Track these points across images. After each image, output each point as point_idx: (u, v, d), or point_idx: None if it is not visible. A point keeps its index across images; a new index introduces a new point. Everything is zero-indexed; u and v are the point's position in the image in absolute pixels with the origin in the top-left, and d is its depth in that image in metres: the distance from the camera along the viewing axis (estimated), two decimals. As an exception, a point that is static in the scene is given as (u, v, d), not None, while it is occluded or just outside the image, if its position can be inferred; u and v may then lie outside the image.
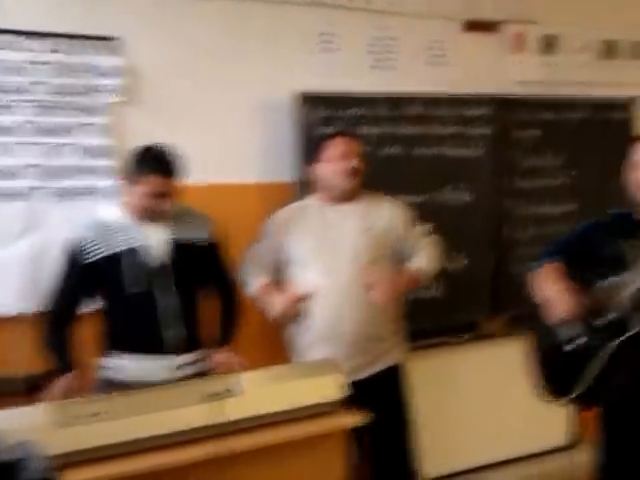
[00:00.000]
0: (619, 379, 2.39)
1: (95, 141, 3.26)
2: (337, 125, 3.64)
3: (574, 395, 2.47)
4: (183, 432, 2.34)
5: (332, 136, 3.13)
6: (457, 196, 4.00)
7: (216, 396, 2.40)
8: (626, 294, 2.37)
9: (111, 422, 2.27)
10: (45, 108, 3.19)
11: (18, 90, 3.14)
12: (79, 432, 2.23)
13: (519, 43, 4.23)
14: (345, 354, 2.92)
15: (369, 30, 3.86)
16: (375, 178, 3.60)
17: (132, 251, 2.71)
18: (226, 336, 2.90)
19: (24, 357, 2.98)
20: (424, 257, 3.14)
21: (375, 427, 2.96)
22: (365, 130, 3.74)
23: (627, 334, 2.35)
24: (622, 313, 2.37)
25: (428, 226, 3.29)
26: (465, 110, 3.98)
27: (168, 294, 2.73)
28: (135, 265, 2.70)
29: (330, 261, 3.00)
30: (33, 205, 3.16)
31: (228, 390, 2.43)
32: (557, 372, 2.56)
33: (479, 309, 4.14)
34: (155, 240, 2.74)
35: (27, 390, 2.83)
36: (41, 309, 2.83)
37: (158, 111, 3.40)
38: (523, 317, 4.06)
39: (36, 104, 3.18)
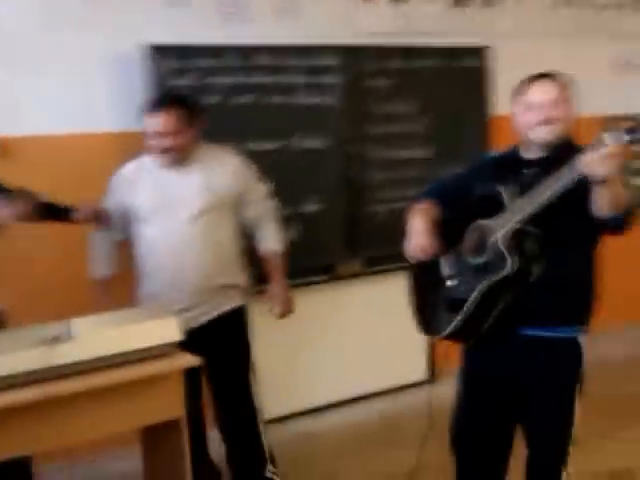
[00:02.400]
0: (487, 320, 2.51)
1: None
2: (188, 77, 3.74)
3: (447, 333, 2.57)
4: (14, 376, 2.42)
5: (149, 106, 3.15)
6: (310, 142, 4.13)
7: (49, 341, 2.50)
8: (497, 237, 2.46)
9: None
10: None
11: None
12: None
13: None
14: (186, 304, 3.09)
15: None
16: (228, 126, 3.77)
17: None
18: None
19: None
20: (272, 236, 3.32)
21: (217, 369, 3.17)
22: (217, 80, 3.84)
23: (493, 279, 2.45)
24: (492, 256, 2.47)
25: (268, 185, 3.38)
26: (316, 60, 4.09)
27: None
28: None
29: (170, 218, 3.12)
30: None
31: (60, 335, 2.53)
32: (433, 308, 2.66)
33: (335, 251, 4.31)
34: None
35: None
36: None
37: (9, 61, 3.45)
38: (380, 258, 4.33)
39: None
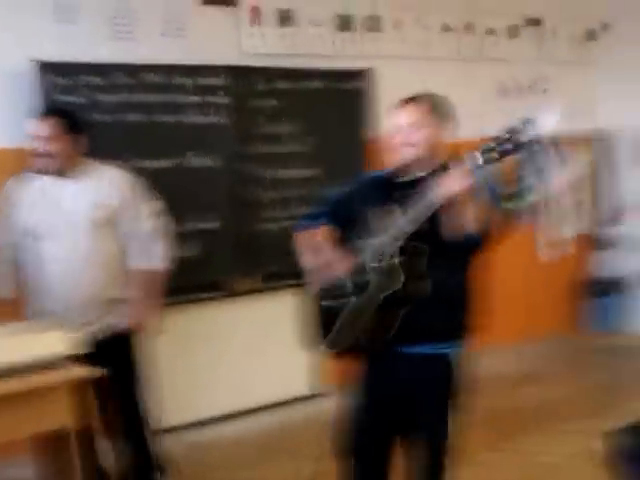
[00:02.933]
0: (359, 333, 2.60)
1: None
2: (78, 94, 3.80)
3: (325, 346, 2.67)
4: None
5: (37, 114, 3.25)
6: (200, 161, 4.24)
7: None
8: (363, 259, 2.57)
9: None
10: None
11: None
12: None
13: (255, 16, 4.49)
14: (78, 319, 3.10)
15: (109, 1, 4.01)
16: (116, 145, 3.84)
17: None
18: None
19: None
20: (156, 255, 3.34)
21: (111, 381, 3.18)
22: (106, 98, 3.91)
23: (353, 299, 2.57)
24: (357, 276, 2.58)
25: (155, 203, 3.42)
26: (202, 79, 4.21)
27: None
28: None
29: (60, 234, 3.16)
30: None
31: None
32: (320, 324, 2.73)
33: (230, 268, 4.41)
34: None
35: None
36: None
37: None
38: (274, 275, 4.43)
39: None
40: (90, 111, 3.80)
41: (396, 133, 2.58)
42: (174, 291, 3.67)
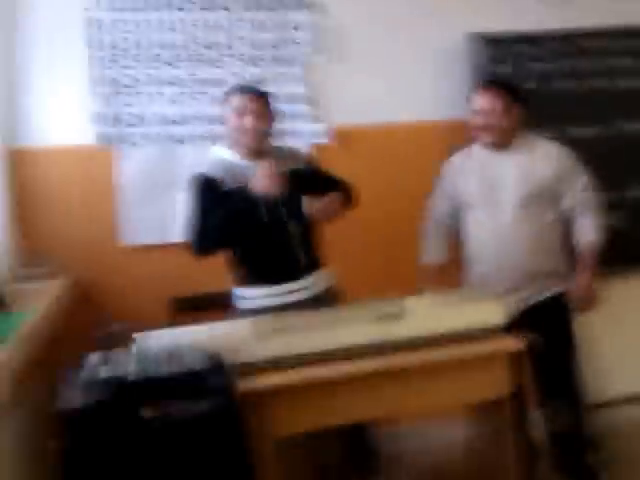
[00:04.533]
0: None
1: (291, 89, 3.69)
2: (507, 63, 3.88)
3: None
4: (358, 347, 2.71)
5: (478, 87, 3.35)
6: (634, 126, 4.07)
7: (387, 317, 2.77)
8: None
9: (296, 335, 2.69)
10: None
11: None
12: (270, 344, 2.66)
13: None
14: (511, 287, 3.21)
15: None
16: (547, 112, 3.85)
17: None
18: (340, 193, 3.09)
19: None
20: (588, 227, 3.29)
21: (542, 351, 3.25)
22: (533, 66, 3.93)
23: None
24: None
25: (585, 176, 3.33)
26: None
27: (296, 222, 2.99)
28: (265, 197, 2.88)
29: (494, 206, 3.26)
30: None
31: (396, 312, 2.79)
32: None
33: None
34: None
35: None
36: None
37: (344, 62, 3.79)
38: None
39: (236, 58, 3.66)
40: (521, 80, 3.84)
41: None
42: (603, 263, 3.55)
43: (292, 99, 3.70)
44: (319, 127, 3.76)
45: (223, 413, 2.33)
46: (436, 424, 3.71)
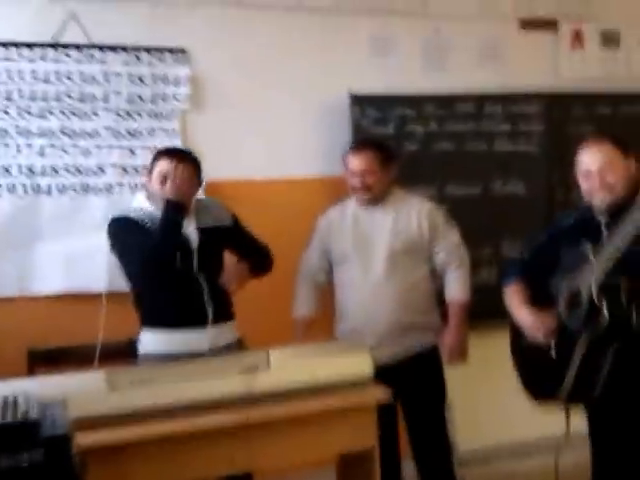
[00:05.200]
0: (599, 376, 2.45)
1: (166, 143, 3.57)
2: (388, 124, 3.92)
3: (563, 395, 2.55)
4: (219, 399, 2.59)
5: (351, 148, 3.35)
6: (510, 188, 4.15)
7: (252, 369, 2.66)
8: (589, 292, 2.43)
9: (152, 388, 2.55)
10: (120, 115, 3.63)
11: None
12: (124, 396, 2.51)
13: (577, 39, 4.31)
14: (382, 340, 3.16)
15: (423, 32, 4.09)
16: (428, 172, 3.93)
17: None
18: (253, 266, 3.16)
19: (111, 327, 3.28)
20: (457, 284, 3.31)
21: (413, 405, 3.20)
22: (414, 129, 3.99)
23: (593, 334, 2.42)
24: (587, 312, 2.44)
25: (456, 232, 3.36)
26: (517, 107, 4.12)
27: (208, 273, 2.99)
28: (182, 246, 2.92)
29: (366, 261, 3.25)
30: (114, 198, 3.58)
31: (260, 365, 2.68)
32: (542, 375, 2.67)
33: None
34: (186, 228, 2.96)
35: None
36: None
37: (221, 115, 3.77)
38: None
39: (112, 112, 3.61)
40: (403, 141, 3.92)
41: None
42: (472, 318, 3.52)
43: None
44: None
45: (58, 464, 2.17)
46: (308, 475, 3.58)
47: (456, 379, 3.43)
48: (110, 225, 2.99)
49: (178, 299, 2.95)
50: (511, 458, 4.22)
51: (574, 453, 3.70)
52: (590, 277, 2.42)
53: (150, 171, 2.99)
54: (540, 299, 2.67)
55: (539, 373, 2.67)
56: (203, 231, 2.99)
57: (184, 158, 2.99)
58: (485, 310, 3.52)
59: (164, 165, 2.94)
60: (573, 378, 2.47)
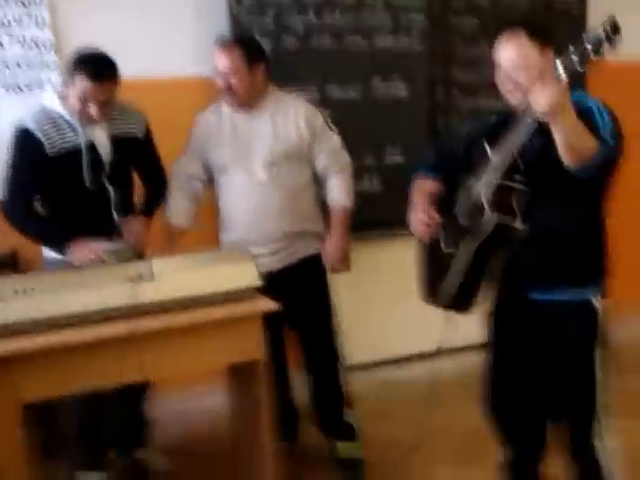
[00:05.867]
0: (481, 283, 2.44)
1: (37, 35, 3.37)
2: (265, 15, 3.75)
3: (444, 301, 2.51)
4: (105, 310, 2.53)
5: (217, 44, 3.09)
6: (392, 91, 4.04)
7: (137, 279, 2.58)
8: (479, 194, 2.37)
9: (37, 298, 2.47)
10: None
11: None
12: (8, 307, 2.43)
13: None
14: (267, 249, 3.08)
15: None
16: (307, 71, 3.80)
17: (88, 147, 2.90)
18: (148, 209, 3.14)
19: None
20: (340, 189, 3.21)
21: (299, 313, 3.17)
22: (294, 22, 3.83)
23: (480, 238, 2.35)
24: (477, 215, 2.37)
25: (336, 135, 3.22)
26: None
27: (117, 187, 2.95)
28: (92, 161, 2.87)
29: (247, 169, 3.10)
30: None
31: (144, 275, 2.60)
32: (434, 277, 2.60)
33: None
34: (98, 138, 2.91)
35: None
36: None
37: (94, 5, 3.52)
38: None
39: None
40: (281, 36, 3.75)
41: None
42: (354, 228, 3.46)
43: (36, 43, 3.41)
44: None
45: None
46: (195, 389, 3.67)
47: (340, 288, 3.38)
48: (11, 140, 2.89)
49: (89, 213, 2.92)
50: (392, 367, 4.34)
51: (451, 361, 3.91)
52: (484, 177, 2.36)
53: (68, 81, 2.83)
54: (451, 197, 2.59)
55: (430, 273, 2.63)
56: (115, 140, 2.94)
57: (106, 76, 2.83)
58: (367, 220, 3.51)
59: (85, 85, 2.79)
60: (454, 283, 2.43)
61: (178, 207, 3.21)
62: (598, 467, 2.50)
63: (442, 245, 2.54)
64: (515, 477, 2.76)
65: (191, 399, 3.78)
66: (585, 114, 2.18)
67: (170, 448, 3.47)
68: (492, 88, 3.90)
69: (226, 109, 3.16)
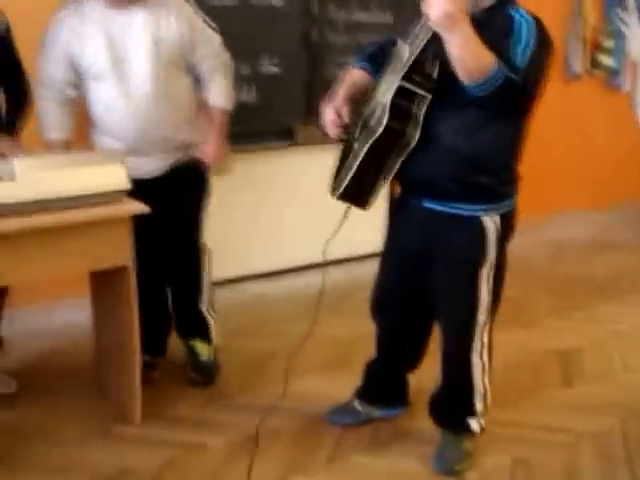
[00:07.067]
0: (375, 183, 2.44)
1: None
2: None
3: (338, 194, 2.49)
4: None
5: None
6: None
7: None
8: (381, 95, 2.37)
9: None
10: None
11: None
12: None
13: None
14: (142, 156, 2.95)
15: None
16: None
17: None
18: (11, 123, 2.95)
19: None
20: (220, 90, 3.11)
21: (168, 217, 3.06)
22: None
23: (373, 138, 2.33)
24: (377, 114, 2.36)
25: (217, 36, 3.09)
26: None
27: None
28: None
29: (125, 76, 2.91)
30: None
31: (4, 175, 2.45)
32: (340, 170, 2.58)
33: (293, 115, 4.16)
34: None
35: None
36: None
37: None
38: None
39: None
40: None
41: None
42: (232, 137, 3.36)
43: None
44: None
45: None
46: (57, 305, 3.52)
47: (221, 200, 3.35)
48: None
49: None
50: (264, 281, 4.33)
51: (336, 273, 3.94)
52: (390, 77, 2.33)
53: None
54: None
55: (338, 167, 2.59)
56: None
57: None
58: (243, 131, 3.42)
59: None
60: (347, 175, 2.41)
61: (53, 119, 3.00)
62: (469, 383, 2.59)
63: (352, 140, 2.51)
64: (376, 377, 2.86)
65: (55, 315, 3.62)
66: (504, 27, 2.17)
67: (26, 368, 3.30)
68: (367, 1, 3.91)
69: (91, 6, 2.89)
